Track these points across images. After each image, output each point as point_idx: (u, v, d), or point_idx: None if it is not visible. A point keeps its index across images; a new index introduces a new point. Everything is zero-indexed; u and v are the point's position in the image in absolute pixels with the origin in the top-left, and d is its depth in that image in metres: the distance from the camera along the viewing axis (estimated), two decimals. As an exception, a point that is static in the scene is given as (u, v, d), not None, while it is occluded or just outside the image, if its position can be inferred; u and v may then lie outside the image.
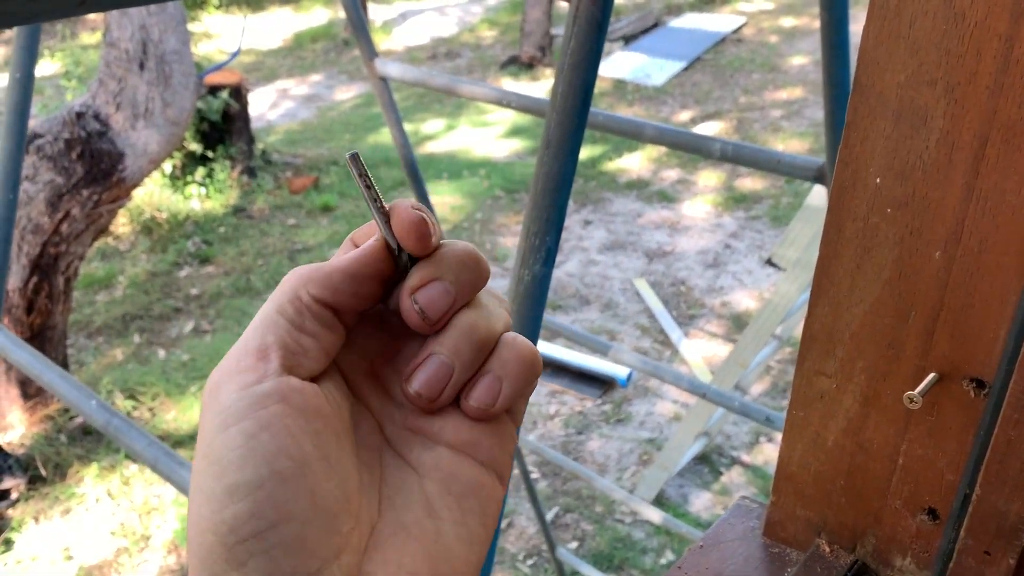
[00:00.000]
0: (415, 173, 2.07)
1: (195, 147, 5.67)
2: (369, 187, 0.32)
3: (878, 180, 0.54)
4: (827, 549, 0.65)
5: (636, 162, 6.35)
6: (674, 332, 4.31)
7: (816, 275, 0.59)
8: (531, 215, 0.91)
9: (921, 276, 0.55)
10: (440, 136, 6.93)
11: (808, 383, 0.62)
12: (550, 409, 3.96)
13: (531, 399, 4.00)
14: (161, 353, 4.26)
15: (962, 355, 0.55)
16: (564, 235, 5.37)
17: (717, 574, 0.65)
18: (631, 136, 1.66)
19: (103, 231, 3.88)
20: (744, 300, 4.60)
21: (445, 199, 5.75)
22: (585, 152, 6.50)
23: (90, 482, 3.50)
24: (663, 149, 6.43)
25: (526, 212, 0.92)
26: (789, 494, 0.66)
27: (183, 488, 1.24)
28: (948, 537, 0.59)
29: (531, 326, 0.92)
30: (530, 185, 0.94)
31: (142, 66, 3.55)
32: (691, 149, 1.58)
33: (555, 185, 0.90)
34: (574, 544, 3.21)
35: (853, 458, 0.62)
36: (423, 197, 2.13)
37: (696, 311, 4.52)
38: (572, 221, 5.52)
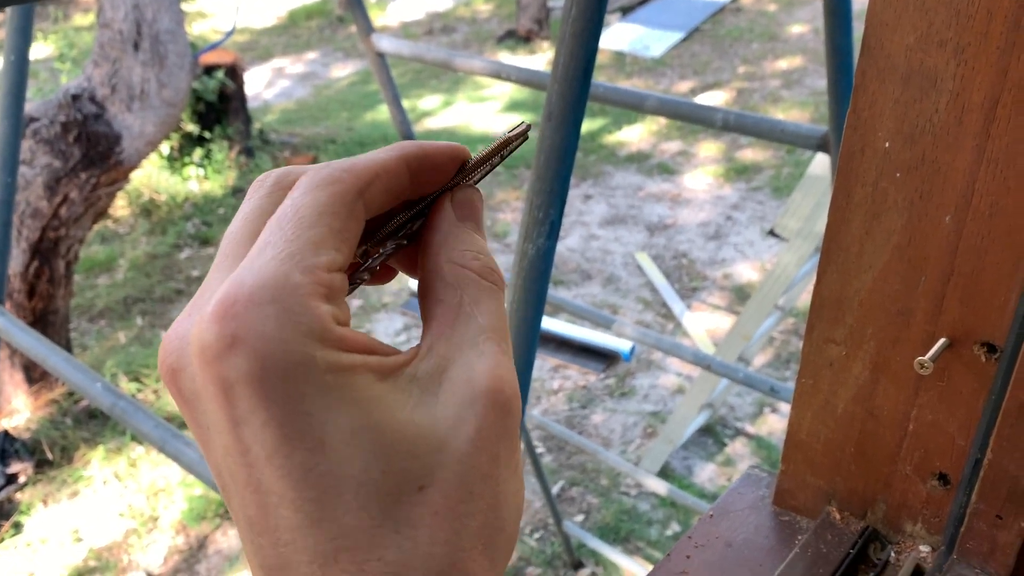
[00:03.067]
0: (410, 138, 2.06)
1: (192, 128, 5.64)
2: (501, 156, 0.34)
3: (887, 144, 0.54)
4: (837, 516, 0.65)
5: (636, 135, 6.32)
6: (676, 305, 4.31)
7: (825, 242, 0.59)
8: (534, 188, 0.90)
9: (931, 241, 0.54)
10: (438, 112, 6.89)
11: (817, 350, 0.61)
12: (554, 384, 3.96)
13: (534, 374, 4.00)
14: (163, 335, 4.26)
15: (973, 320, 0.54)
16: (564, 209, 5.36)
17: (727, 543, 0.65)
18: (633, 108, 1.65)
19: (102, 214, 3.87)
20: (746, 272, 4.59)
21: (444, 176, 5.72)
22: (585, 126, 6.44)
23: (97, 464, 3.52)
24: (663, 121, 6.40)
25: (529, 185, 0.92)
26: (799, 462, 0.66)
27: (191, 468, 1.24)
28: (959, 502, 0.59)
29: (535, 300, 0.91)
30: (533, 160, 0.93)
31: (136, 47, 3.52)
32: (693, 119, 1.57)
33: (558, 157, 0.89)
34: (580, 517, 3.23)
35: (863, 425, 0.62)
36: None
37: (698, 284, 4.52)
38: (573, 196, 5.50)
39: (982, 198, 0.51)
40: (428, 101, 7.09)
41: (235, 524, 0.28)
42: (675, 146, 6.11)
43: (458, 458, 0.27)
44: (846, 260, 0.58)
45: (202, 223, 5.32)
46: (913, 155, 0.53)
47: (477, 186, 0.34)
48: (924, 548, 0.62)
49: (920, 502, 0.61)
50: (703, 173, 5.72)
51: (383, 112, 6.72)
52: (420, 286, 0.31)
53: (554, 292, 4.17)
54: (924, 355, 0.55)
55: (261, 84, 7.71)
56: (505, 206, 5.38)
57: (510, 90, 7.06)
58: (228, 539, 3.21)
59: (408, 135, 2.06)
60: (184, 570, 3.12)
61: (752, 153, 5.84)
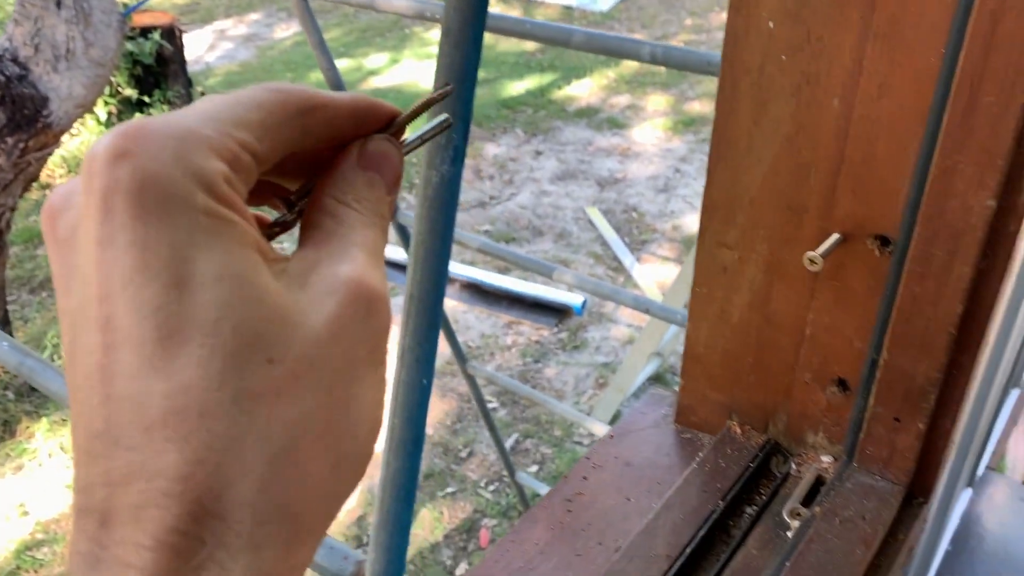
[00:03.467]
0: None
1: (130, 92, 5.46)
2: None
3: (771, 24, 0.50)
4: (738, 430, 0.62)
5: (586, 89, 6.25)
6: (627, 258, 4.30)
7: (713, 139, 0.55)
8: (435, 110, 0.86)
9: (820, 128, 0.51)
10: (384, 71, 6.76)
11: (710, 256, 0.58)
12: (507, 340, 3.94)
13: (487, 330, 3.98)
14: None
15: (865, 212, 0.51)
16: (515, 167, 5.30)
17: (626, 462, 0.62)
18: (559, 43, 1.59)
19: (33, 180, 3.73)
20: (695, 223, 4.57)
21: (392, 135, 5.62)
22: (534, 81, 6.38)
23: (41, 437, 3.43)
24: (612, 75, 6.34)
25: (432, 111, 0.87)
26: (698, 377, 0.63)
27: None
28: (858, 407, 0.56)
29: (442, 230, 0.87)
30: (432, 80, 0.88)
31: (59, 4, 3.37)
32: (620, 53, 1.52)
33: (458, 76, 0.84)
34: (534, 468, 3.23)
35: (760, 333, 0.59)
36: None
37: (648, 236, 4.50)
38: (522, 152, 5.45)
39: (870, 78, 0.48)
40: (374, 59, 6.94)
41: (70, 388, 0.26)
42: (624, 100, 6.06)
43: (311, 341, 0.26)
44: (735, 155, 0.55)
45: (144, 190, 5.16)
46: (798, 33, 0.49)
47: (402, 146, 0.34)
48: (826, 459, 0.59)
49: (820, 411, 0.59)
50: (652, 126, 5.68)
51: (328, 72, 6.57)
52: (302, 220, 0.30)
53: (507, 247, 4.12)
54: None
55: (203, 47, 7.49)
56: (454, 164, 5.30)
57: (458, 47, 6.94)
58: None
59: (338, 85, 1.99)
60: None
61: (700, 105, 5.81)
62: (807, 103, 0.51)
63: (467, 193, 5.00)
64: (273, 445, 0.24)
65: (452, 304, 3.96)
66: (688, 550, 0.53)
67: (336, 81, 2.05)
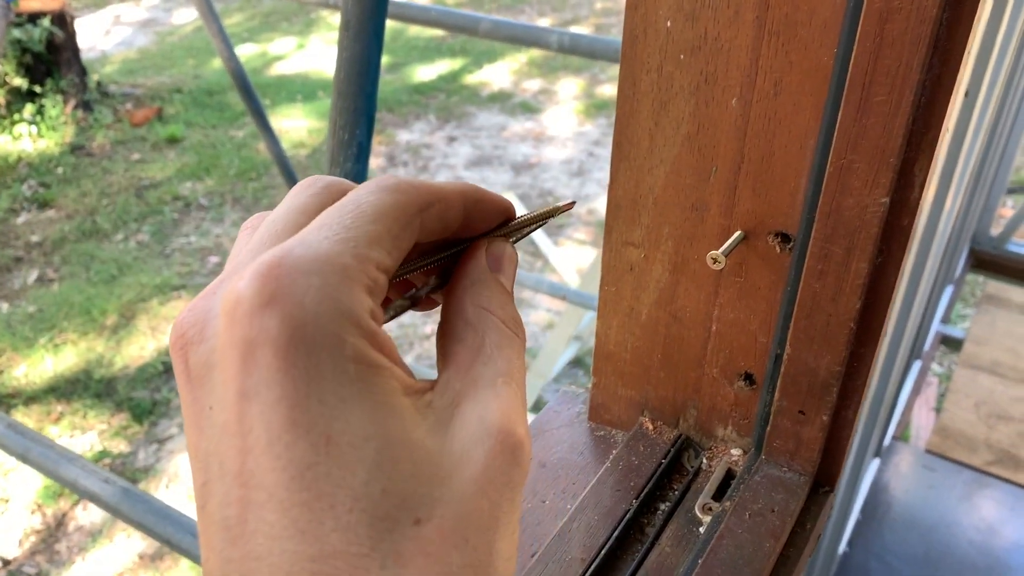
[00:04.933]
0: (246, 86, 1.93)
1: (20, 82, 5.19)
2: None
3: (668, 24, 0.50)
4: (650, 426, 0.63)
5: (498, 73, 6.24)
6: (543, 243, 4.31)
7: (615, 137, 0.55)
8: (337, 107, 0.83)
9: (720, 127, 0.51)
10: (290, 56, 6.60)
11: (617, 255, 0.58)
12: (426, 329, 3.92)
13: (406, 319, 3.94)
14: (4, 306, 3.96)
15: (765, 209, 0.52)
16: (429, 153, 5.25)
17: (540, 463, 0.62)
18: (467, 32, 1.58)
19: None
20: (610, 205, 4.63)
21: (301, 122, 5.51)
22: (445, 66, 6.33)
23: None
24: (524, 59, 6.34)
25: (332, 105, 0.84)
26: (609, 374, 0.63)
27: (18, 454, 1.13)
28: (764, 401, 0.57)
29: (348, 229, 0.85)
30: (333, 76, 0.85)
31: (-64, -10, 3.17)
32: (527, 42, 1.51)
33: (360, 70, 0.82)
34: (456, 459, 3.22)
35: (668, 330, 0.59)
36: (257, 111, 1.99)
37: (564, 220, 4.53)
38: (436, 138, 5.40)
39: (766, 76, 0.48)
40: (280, 45, 6.77)
41: (202, 534, 0.24)
42: (536, 84, 6.07)
43: (460, 497, 0.25)
44: (637, 155, 0.54)
45: (39, 184, 4.94)
46: (695, 33, 0.49)
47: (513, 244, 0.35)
48: (736, 452, 0.60)
49: (729, 405, 0.59)
50: (565, 110, 5.71)
51: (233, 59, 6.38)
52: (441, 327, 0.30)
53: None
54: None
55: (98, 33, 7.17)
56: (367, 151, 5.23)
57: (367, 32, 6.82)
58: (88, 514, 3.04)
59: (238, 71, 1.93)
60: (42, 551, 2.94)
61: (612, 89, 5.87)
62: (706, 102, 0.51)
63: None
64: None
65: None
66: (603, 551, 0.53)
67: (237, 70, 1.98)
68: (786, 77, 0.48)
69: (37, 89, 5.28)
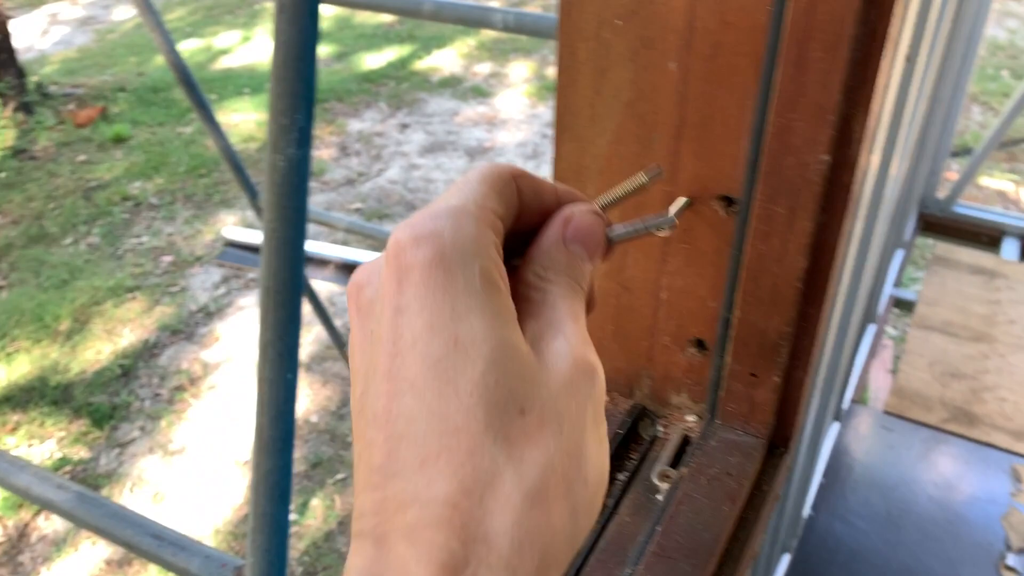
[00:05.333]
0: (189, 81, 1.89)
1: (-46, 86, 5.04)
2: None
3: (603, -11, 0.49)
4: (607, 398, 0.63)
5: (447, 59, 6.19)
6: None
7: (557, 110, 0.54)
8: (276, 92, 0.81)
9: (660, 93, 0.51)
10: (236, 49, 6.48)
11: (564, 227, 0.57)
12: (386, 318, 3.89)
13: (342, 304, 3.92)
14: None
15: (708, 173, 0.51)
16: (381, 142, 5.20)
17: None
18: (409, 14, 1.56)
19: None
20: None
21: (250, 115, 5.42)
22: (394, 53, 6.27)
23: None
24: (473, 43, 6.30)
25: (270, 89, 0.83)
26: (564, 349, 0.63)
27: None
28: (716, 366, 0.57)
29: (295, 217, 0.83)
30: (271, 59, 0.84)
31: None
32: (472, 22, 1.50)
33: (297, 54, 0.80)
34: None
35: (618, 300, 0.59)
36: (202, 106, 1.95)
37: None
38: (388, 126, 5.35)
39: (702, 38, 0.48)
40: (225, 38, 6.64)
41: (356, 438, 0.31)
42: (487, 68, 6.04)
43: (554, 397, 0.30)
44: (580, 126, 0.54)
45: (-18, 190, 4.81)
46: (630, -2, 0.49)
47: (606, 214, 0.38)
48: (691, 418, 0.60)
49: (682, 371, 0.59)
50: (517, 93, 5.69)
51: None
52: (514, 290, 0.34)
53: (379, 226, 4.06)
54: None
55: (35, 33, 6.98)
56: (318, 142, 5.17)
57: (313, 21, 6.73)
58: (52, 523, 2.98)
59: (180, 66, 1.89)
60: (5, 563, 2.88)
61: (563, 69, 5.85)
62: (645, 67, 0.50)
63: (334, 171, 4.88)
64: (526, 482, 0.28)
65: (328, 287, 3.87)
66: (562, 525, 0.53)
67: (179, 65, 1.94)
68: (723, 38, 0.47)
69: (-27, 92, 5.13)
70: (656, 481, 0.56)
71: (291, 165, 0.82)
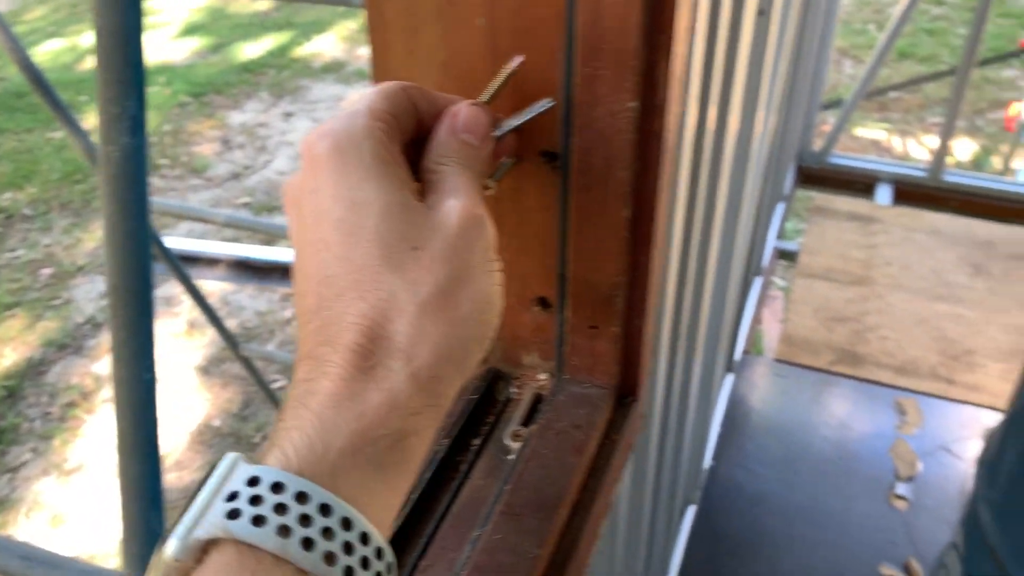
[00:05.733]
0: (39, 80, 1.79)
1: None
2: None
3: (402, -54, 0.48)
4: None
5: (328, 44, 6.07)
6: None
7: (374, 75, 0.53)
8: (102, 80, 0.78)
9: (472, 52, 0.50)
10: (106, 48, 6.20)
11: (395, 196, 0.56)
12: (285, 314, 3.81)
13: (263, 307, 3.82)
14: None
15: (529, 129, 0.51)
16: (266, 132, 5.07)
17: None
18: (264, -4, 1.50)
19: None
20: (458, 165, 4.60)
21: (126, 116, 5.20)
22: (272, 40, 6.10)
23: None
24: (354, 26, 6.18)
25: (97, 78, 0.79)
26: (413, 320, 0.62)
27: None
28: (559, 322, 0.57)
29: (136, 209, 0.80)
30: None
31: None
32: (335, 0, 1.46)
33: (120, 38, 0.76)
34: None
35: (460, 266, 0.58)
36: (56, 105, 1.85)
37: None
38: (271, 116, 5.22)
39: (505, -8, 0.47)
40: (91, 37, 6.34)
41: (296, 293, 0.39)
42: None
43: (445, 235, 0.38)
44: (398, 89, 0.53)
45: None
46: (429, -46, 0.48)
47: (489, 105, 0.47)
48: (543, 376, 0.60)
49: (529, 331, 0.59)
50: (403, 74, 5.62)
51: (45, 53, 5.95)
52: (419, 177, 0.42)
53: (260, 219, 3.96)
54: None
55: None
56: (199, 137, 5.00)
57: (186, 13, 6.49)
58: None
59: (26, 62, 1.78)
60: None
61: (448, 47, 5.81)
62: (454, 24, 0.49)
63: (217, 167, 4.73)
64: (419, 298, 0.36)
65: (220, 287, 3.76)
66: (414, 496, 0.52)
67: (25, 62, 1.84)
68: (526, -10, 0.47)
69: None
70: (508, 442, 0.56)
71: (125, 155, 0.79)
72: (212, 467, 0.33)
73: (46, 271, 4.03)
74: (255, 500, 0.31)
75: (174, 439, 3.15)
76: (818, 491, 2.16)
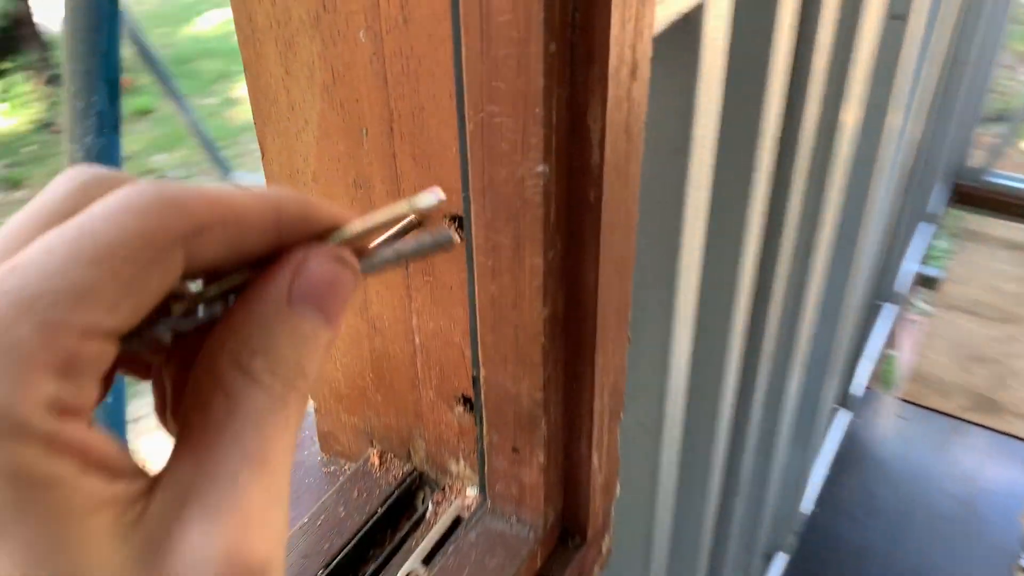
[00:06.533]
0: (150, 58, 1.78)
1: (-19, 59, 5.05)
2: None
3: (261, -70, 0.35)
4: (376, 461, 0.49)
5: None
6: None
7: (250, 93, 0.40)
8: (68, 72, 0.69)
9: (356, 72, 0.37)
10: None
11: (285, 250, 0.44)
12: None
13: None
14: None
15: (432, 182, 0.37)
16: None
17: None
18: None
19: None
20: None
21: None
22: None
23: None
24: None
25: (63, 69, 0.70)
26: (328, 398, 0.50)
27: None
28: (480, 434, 0.43)
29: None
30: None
31: None
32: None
33: (89, 25, 0.67)
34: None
35: (371, 342, 0.45)
36: (163, 79, 1.85)
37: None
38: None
39: (389, -3, 0.34)
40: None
41: None
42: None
43: None
44: (279, 116, 0.40)
45: (10, 164, 4.82)
46: (292, -59, 0.35)
47: (359, 262, 0.24)
48: (472, 491, 0.47)
49: (454, 434, 0.46)
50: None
51: (203, 25, 6.20)
52: (190, 380, 0.22)
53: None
54: (397, 240, 0.38)
55: (58, 6, 6.98)
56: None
57: None
58: None
59: (139, 42, 1.78)
60: None
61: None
62: (332, 38, 0.36)
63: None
64: None
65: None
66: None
67: (139, 41, 1.83)
68: (414, -3, 0.33)
69: (3, 67, 5.13)
70: (400, 583, 0.43)
71: (91, 154, 0.70)
72: None
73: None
74: None
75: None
76: (931, 551, 1.91)
